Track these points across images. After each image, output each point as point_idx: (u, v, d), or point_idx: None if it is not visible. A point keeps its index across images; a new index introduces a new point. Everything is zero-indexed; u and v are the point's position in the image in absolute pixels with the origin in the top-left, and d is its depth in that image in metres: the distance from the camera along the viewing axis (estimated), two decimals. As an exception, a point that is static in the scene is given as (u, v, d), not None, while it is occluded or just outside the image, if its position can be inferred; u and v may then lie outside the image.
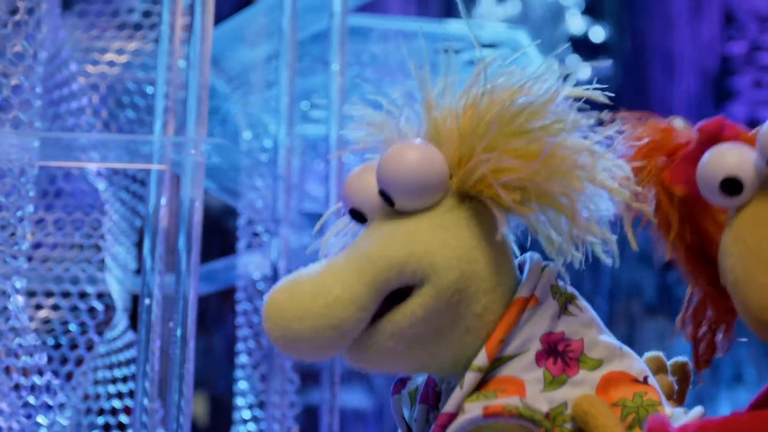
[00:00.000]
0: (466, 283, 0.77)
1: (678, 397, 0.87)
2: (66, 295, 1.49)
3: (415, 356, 0.79)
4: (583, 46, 4.70)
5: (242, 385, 1.64)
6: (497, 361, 0.78)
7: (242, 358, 1.65)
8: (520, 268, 0.84)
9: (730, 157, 0.79)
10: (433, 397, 0.83)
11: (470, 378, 0.77)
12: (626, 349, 0.81)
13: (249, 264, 1.68)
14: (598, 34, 4.69)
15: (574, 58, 4.73)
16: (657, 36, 4.64)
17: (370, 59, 1.83)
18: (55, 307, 1.50)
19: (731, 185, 0.79)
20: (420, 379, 0.85)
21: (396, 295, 0.77)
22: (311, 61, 1.89)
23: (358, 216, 0.82)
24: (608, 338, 0.81)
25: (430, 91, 0.81)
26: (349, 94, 1.89)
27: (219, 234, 2.97)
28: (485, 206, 0.79)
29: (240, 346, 1.66)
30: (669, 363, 0.89)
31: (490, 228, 0.79)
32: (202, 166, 1.31)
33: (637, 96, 4.67)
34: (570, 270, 0.82)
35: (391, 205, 0.79)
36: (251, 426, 1.61)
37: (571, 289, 0.82)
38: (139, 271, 1.45)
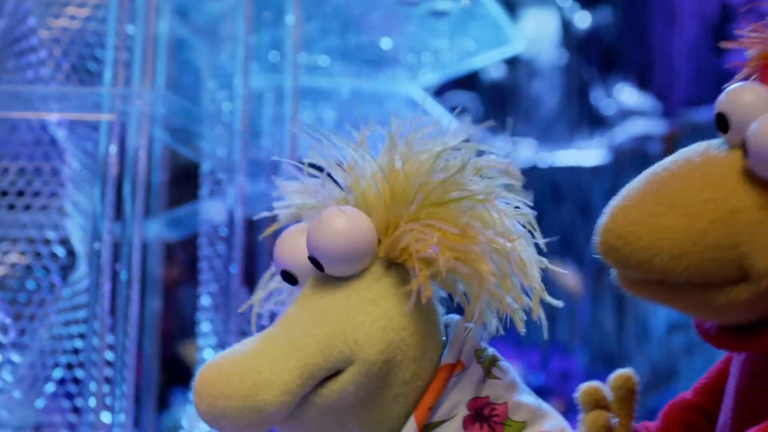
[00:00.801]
0: (393, 353, 0.79)
1: (626, 412, 0.88)
2: (31, 241, 1.55)
3: (346, 426, 0.81)
4: (583, -6, 4.70)
5: (205, 327, 1.70)
6: (426, 428, 0.81)
7: (204, 301, 1.70)
8: (445, 326, 0.85)
9: (733, 94, 0.75)
10: None
11: None
12: (545, 407, 0.84)
13: (211, 210, 1.73)
14: (599, -19, 4.68)
15: (573, 6, 4.72)
16: (657, -17, 4.62)
17: (333, 11, 1.87)
18: (21, 253, 1.56)
19: (720, 121, 0.76)
20: None
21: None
22: (278, 13, 1.92)
23: (289, 278, 0.84)
24: (530, 398, 0.84)
25: (356, 156, 0.81)
26: (313, 45, 1.93)
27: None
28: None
29: (201, 289, 1.71)
30: (610, 379, 0.89)
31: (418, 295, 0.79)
32: (146, 117, 1.35)
33: (637, 44, 4.66)
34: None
35: (321, 270, 0.80)
36: (212, 366, 1.67)
37: (492, 351, 0.85)
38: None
